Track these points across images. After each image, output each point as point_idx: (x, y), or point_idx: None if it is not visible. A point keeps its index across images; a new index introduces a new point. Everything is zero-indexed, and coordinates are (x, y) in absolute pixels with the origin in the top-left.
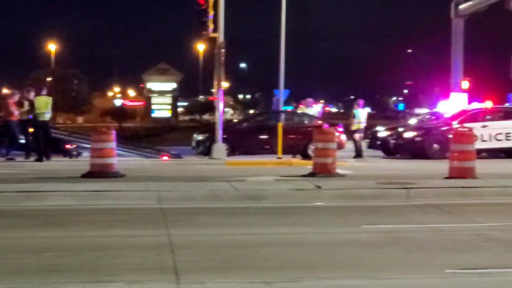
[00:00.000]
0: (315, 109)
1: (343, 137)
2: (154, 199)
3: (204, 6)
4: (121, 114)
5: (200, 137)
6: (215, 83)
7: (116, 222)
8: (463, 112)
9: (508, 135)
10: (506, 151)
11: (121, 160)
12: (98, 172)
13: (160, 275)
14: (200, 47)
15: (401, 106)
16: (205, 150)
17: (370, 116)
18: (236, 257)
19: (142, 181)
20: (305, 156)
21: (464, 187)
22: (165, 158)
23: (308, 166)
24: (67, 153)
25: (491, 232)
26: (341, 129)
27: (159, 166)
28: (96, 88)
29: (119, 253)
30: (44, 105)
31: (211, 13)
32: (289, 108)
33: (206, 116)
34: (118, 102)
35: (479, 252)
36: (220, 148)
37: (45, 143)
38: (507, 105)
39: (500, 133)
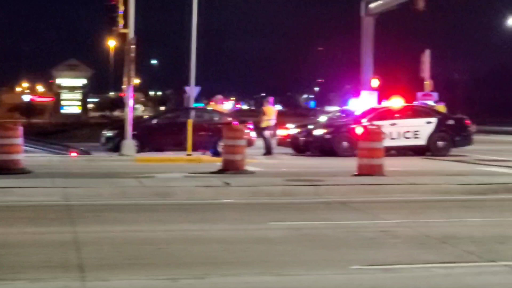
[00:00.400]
0: (225, 106)
1: (253, 134)
2: (61, 195)
3: (114, 2)
4: (29, 110)
5: (109, 134)
6: (125, 79)
7: (21, 219)
8: (373, 110)
9: (417, 133)
10: (414, 149)
11: (28, 156)
12: (4, 168)
13: (65, 272)
14: (111, 43)
15: (312, 104)
16: (115, 146)
17: (280, 113)
18: (142, 254)
19: (49, 178)
20: (215, 153)
21: (371, 184)
22: (74, 154)
23: (217, 163)
24: None
25: (397, 229)
26: (250, 126)
27: (67, 163)
28: (4, 83)
29: (23, 251)
30: None
31: (121, 8)
32: (200, 105)
33: (116, 113)
34: (26, 98)
35: (385, 249)
36: (129, 144)
37: None
38: (416, 103)
39: (408, 131)
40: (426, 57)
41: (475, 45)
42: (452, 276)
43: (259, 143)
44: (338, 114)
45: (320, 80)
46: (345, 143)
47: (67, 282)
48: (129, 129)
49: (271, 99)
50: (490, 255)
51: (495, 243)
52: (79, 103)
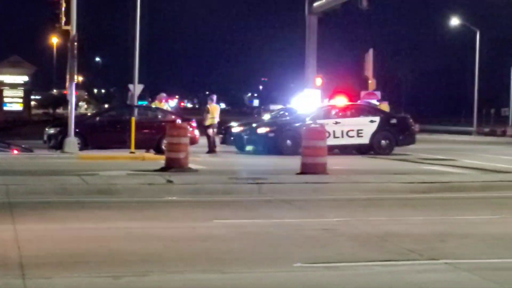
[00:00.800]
0: (169, 104)
1: (197, 132)
2: (2, 193)
3: None
4: None
5: (52, 131)
6: (68, 76)
7: None
8: (316, 108)
9: (360, 131)
10: (358, 148)
11: None
12: None
13: (5, 270)
14: (54, 40)
15: (256, 102)
16: (57, 144)
17: (224, 112)
18: (84, 251)
19: None
20: (159, 151)
21: (315, 183)
22: (16, 152)
23: (161, 160)
24: None
25: (340, 227)
26: (194, 124)
27: (8, 160)
28: None
29: None
30: None
31: (63, 5)
32: (144, 103)
33: (60, 110)
34: None
35: (328, 247)
36: (72, 142)
37: None
38: (359, 102)
39: (352, 130)
40: (370, 56)
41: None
42: (394, 273)
43: (203, 141)
44: (282, 112)
45: (264, 79)
46: (288, 142)
47: (7, 279)
48: (72, 127)
49: (214, 97)
50: (432, 253)
51: (436, 241)
52: (22, 100)
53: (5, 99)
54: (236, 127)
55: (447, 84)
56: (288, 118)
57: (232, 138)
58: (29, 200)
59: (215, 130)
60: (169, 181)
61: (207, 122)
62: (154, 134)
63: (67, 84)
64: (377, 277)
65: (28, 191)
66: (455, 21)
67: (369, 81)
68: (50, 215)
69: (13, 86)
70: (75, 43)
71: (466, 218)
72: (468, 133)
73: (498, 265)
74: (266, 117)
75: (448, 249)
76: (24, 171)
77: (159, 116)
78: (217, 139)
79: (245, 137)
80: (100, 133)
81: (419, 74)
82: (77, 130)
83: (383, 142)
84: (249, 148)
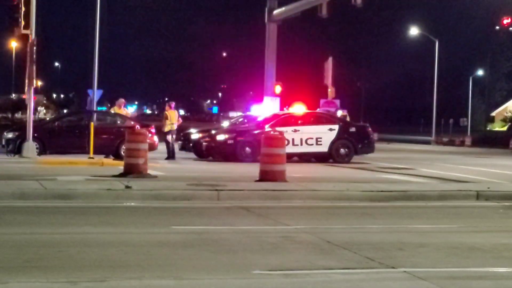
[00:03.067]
0: (128, 110)
1: (156, 138)
2: None
3: (16, 2)
4: None
5: (10, 135)
6: (27, 81)
7: None
8: (275, 116)
9: (319, 140)
10: (317, 156)
11: None
12: None
13: None
14: (13, 44)
15: (215, 109)
16: (15, 148)
17: (184, 118)
18: (41, 256)
19: None
20: (118, 157)
21: (273, 190)
22: None
23: (120, 166)
24: None
25: (298, 235)
26: (153, 130)
27: None
28: None
29: None
30: None
31: (22, 9)
32: (103, 109)
33: (18, 115)
34: None
35: (286, 254)
36: (30, 146)
37: None
38: (319, 110)
39: (311, 138)
40: (329, 65)
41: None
42: (352, 281)
43: (162, 147)
44: (241, 119)
45: (223, 86)
46: (247, 149)
47: None
48: (30, 131)
49: (172, 103)
50: (390, 261)
51: (394, 249)
52: None
53: None
54: (195, 134)
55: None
56: (247, 125)
57: (191, 144)
58: None
59: (174, 136)
60: (128, 187)
61: (166, 129)
62: (113, 139)
63: (26, 88)
64: (335, 285)
65: None
66: (414, 31)
67: (329, 89)
68: (8, 219)
69: None
70: (34, 48)
71: (424, 227)
72: (427, 142)
73: (455, 274)
74: (226, 124)
75: (406, 258)
76: None
77: (118, 122)
78: (176, 146)
79: (204, 144)
80: (59, 138)
81: (378, 83)
82: (35, 134)
83: (342, 150)
84: (207, 155)
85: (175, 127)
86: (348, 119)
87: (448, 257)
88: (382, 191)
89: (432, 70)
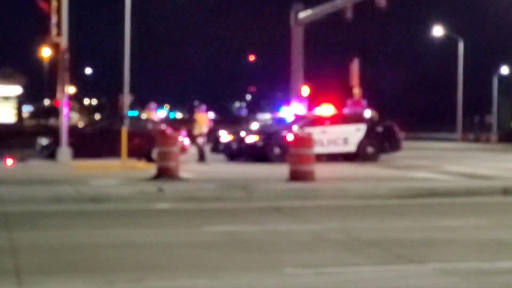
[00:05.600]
0: (159, 114)
1: (186, 141)
2: None
3: (48, 11)
4: None
5: (45, 141)
6: (60, 87)
7: None
8: (303, 117)
9: (346, 139)
10: (344, 155)
11: None
12: None
13: (1, 278)
14: (45, 51)
15: (244, 112)
16: (50, 154)
17: (213, 121)
18: (78, 258)
19: None
20: (149, 160)
21: (303, 190)
22: (9, 162)
23: (152, 169)
24: None
25: (328, 233)
26: (184, 134)
27: (2, 170)
28: None
29: None
30: None
31: (54, 17)
32: (135, 113)
33: (52, 121)
34: None
35: (316, 252)
36: (65, 152)
37: None
38: (346, 110)
39: (338, 138)
40: (355, 66)
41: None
42: (382, 279)
43: (193, 150)
44: (270, 121)
45: (251, 89)
46: (277, 150)
47: (4, 287)
48: (64, 137)
49: (203, 106)
50: (419, 257)
51: (423, 246)
52: (14, 111)
53: None
54: (225, 136)
55: (432, 92)
56: (276, 126)
57: (221, 147)
58: (23, 209)
59: (205, 139)
60: (160, 190)
61: (196, 132)
62: (144, 143)
63: (59, 95)
64: (366, 283)
65: (22, 200)
66: (438, 31)
67: (355, 90)
68: (44, 223)
69: (6, 97)
70: (66, 55)
71: (452, 223)
72: (453, 140)
73: (484, 269)
74: (255, 126)
75: (435, 254)
76: (18, 180)
77: (150, 126)
78: (207, 148)
79: (234, 145)
80: (92, 143)
81: (403, 83)
82: (69, 140)
83: (369, 149)
84: (237, 156)
85: (205, 130)
86: (376, 119)
87: (476, 253)
88: (409, 188)
89: (456, 68)
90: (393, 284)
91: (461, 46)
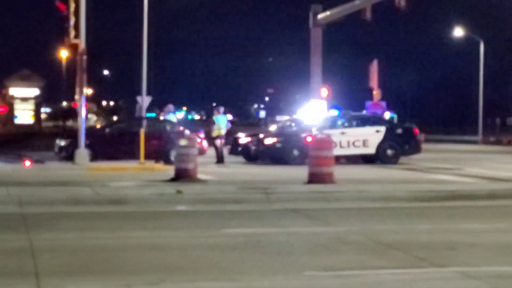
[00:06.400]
0: (177, 115)
1: (205, 143)
2: (15, 203)
3: (66, 13)
4: None
5: (63, 143)
6: (78, 89)
7: None
8: (322, 118)
9: (366, 141)
10: (363, 157)
11: None
12: None
13: (21, 279)
14: (63, 53)
15: (262, 113)
16: (68, 155)
17: (232, 123)
18: (97, 260)
19: (3, 186)
20: (168, 162)
21: (322, 192)
22: (28, 163)
23: (170, 171)
24: None
25: (348, 235)
26: (202, 135)
27: (21, 172)
28: None
29: None
30: None
31: (72, 19)
32: (152, 115)
33: (69, 123)
34: None
35: (336, 255)
36: (82, 153)
37: None
38: (364, 112)
39: (358, 140)
40: (374, 67)
41: (422, 55)
42: (403, 281)
43: (211, 152)
44: (288, 123)
45: (270, 90)
46: (295, 152)
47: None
48: (82, 139)
49: (221, 108)
50: (441, 261)
51: (445, 249)
52: (33, 113)
53: (16, 112)
54: (243, 138)
55: (452, 93)
56: (294, 128)
57: (239, 148)
58: (42, 211)
59: (223, 141)
60: (179, 191)
61: (214, 133)
62: (163, 145)
63: (77, 96)
64: (387, 285)
65: (40, 202)
66: (459, 32)
67: (374, 92)
68: (63, 225)
69: (24, 99)
70: (84, 57)
71: (474, 226)
72: (474, 142)
73: (506, 273)
74: (273, 128)
75: (456, 257)
76: (36, 182)
77: (168, 128)
78: (225, 150)
79: (253, 147)
80: (110, 145)
81: (423, 84)
82: (87, 142)
83: (389, 151)
84: (256, 158)
85: (223, 132)
86: (395, 121)
87: (498, 256)
88: (430, 191)
89: (477, 70)
90: (414, 287)
91: (482, 47)
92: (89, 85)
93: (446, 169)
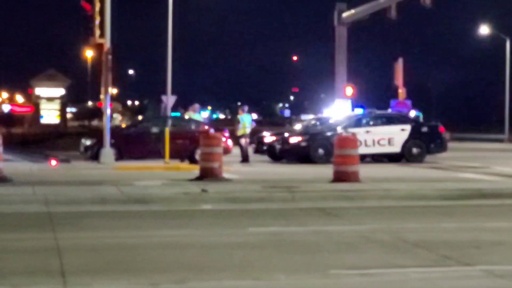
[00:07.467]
0: (202, 115)
1: (230, 142)
2: (42, 203)
3: (91, 12)
4: (9, 120)
5: (88, 142)
6: (103, 89)
7: (2, 226)
8: (347, 117)
9: (391, 140)
10: (389, 156)
11: (9, 165)
12: None
13: (47, 277)
14: (88, 53)
15: (287, 112)
16: (94, 155)
17: (256, 122)
18: (122, 259)
19: (30, 186)
20: (193, 161)
21: (347, 191)
22: (54, 163)
23: (195, 170)
24: None
25: (373, 234)
26: (227, 134)
27: (47, 171)
28: None
29: (5, 257)
30: None
31: (97, 19)
32: (177, 114)
33: (95, 122)
34: (6, 108)
35: (362, 253)
36: (108, 153)
37: None
38: (389, 110)
39: (383, 138)
40: (399, 66)
41: (448, 54)
42: (429, 280)
43: (236, 151)
44: (313, 122)
45: (295, 89)
46: (320, 151)
47: (50, 286)
48: (107, 138)
49: (245, 107)
50: (466, 259)
51: (471, 247)
52: (58, 112)
53: (42, 112)
54: (268, 137)
55: (478, 92)
56: (320, 127)
57: (264, 147)
58: (68, 210)
59: (248, 140)
60: (204, 190)
61: (239, 132)
62: (188, 144)
63: (102, 96)
64: (412, 284)
65: (66, 201)
66: (484, 30)
67: (399, 90)
68: (89, 224)
69: (50, 99)
70: (109, 56)
71: (500, 225)
72: (500, 140)
73: None
74: (298, 126)
75: (482, 256)
76: (62, 181)
77: (193, 127)
78: (250, 149)
79: (278, 146)
80: (135, 144)
81: (449, 82)
82: (112, 141)
83: (414, 150)
84: (281, 157)
85: (248, 131)
86: (421, 119)
87: None
88: (456, 189)
89: (503, 68)
90: (439, 285)
91: (508, 45)
92: (114, 84)
93: (472, 167)
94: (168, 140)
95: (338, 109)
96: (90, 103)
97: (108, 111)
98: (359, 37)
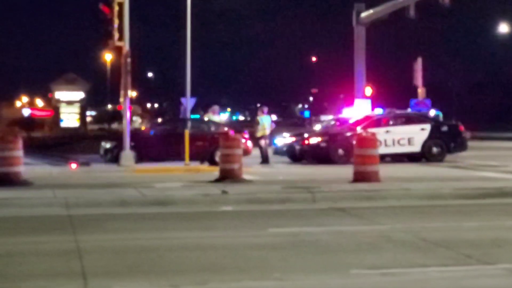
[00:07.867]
0: (222, 116)
1: (249, 143)
2: (62, 206)
3: (110, 15)
4: (29, 123)
5: (108, 145)
6: (122, 92)
7: (23, 230)
8: (367, 117)
9: (411, 139)
10: (408, 155)
11: (29, 168)
12: (5, 180)
13: (68, 280)
14: (108, 56)
15: (306, 113)
16: (113, 157)
17: (276, 123)
18: (143, 261)
19: (50, 189)
20: (212, 163)
21: (368, 191)
22: (74, 166)
23: (215, 172)
24: None
25: (394, 234)
26: (247, 136)
27: (67, 174)
28: (3, 98)
29: (26, 260)
30: None
31: (116, 22)
32: (197, 116)
33: (114, 125)
34: (26, 112)
35: (382, 253)
36: (128, 155)
37: None
38: (409, 110)
39: (402, 138)
40: (418, 65)
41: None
42: (450, 279)
43: (256, 152)
44: (333, 122)
45: (314, 90)
46: (340, 151)
47: None
48: (127, 141)
49: (265, 108)
50: (488, 258)
51: (492, 246)
52: (78, 116)
53: (62, 116)
54: (288, 138)
55: (498, 90)
56: (339, 128)
57: (284, 148)
58: (88, 212)
59: (267, 141)
60: (224, 192)
61: (259, 134)
62: (207, 146)
63: (121, 99)
64: (433, 283)
65: (87, 204)
66: (504, 28)
67: (419, 90)
68: (109, 226)
69: (70, 102)
70: (129, 59)
71: None
72: None
73: None
74: (318, 127)
75: (504, 254)
76: (82, 184)
77: (212, 128)
78: (270, 150)
79: (297, 147)
80: (155, 146)
81: (469, 81)
82: (132, 143)
83: (434, 149)
84: (301, 158)
85: (267, 132)
86: (441, 118)
87: None
88: (476, 188)
89: None
90: (461, 284)
91: None
92: (134, 87)
93: (493, 166)
94: (188, 142)
95: (358, 109)
96: (109, 106)
97: (128, 114)
98: (378, 36)
